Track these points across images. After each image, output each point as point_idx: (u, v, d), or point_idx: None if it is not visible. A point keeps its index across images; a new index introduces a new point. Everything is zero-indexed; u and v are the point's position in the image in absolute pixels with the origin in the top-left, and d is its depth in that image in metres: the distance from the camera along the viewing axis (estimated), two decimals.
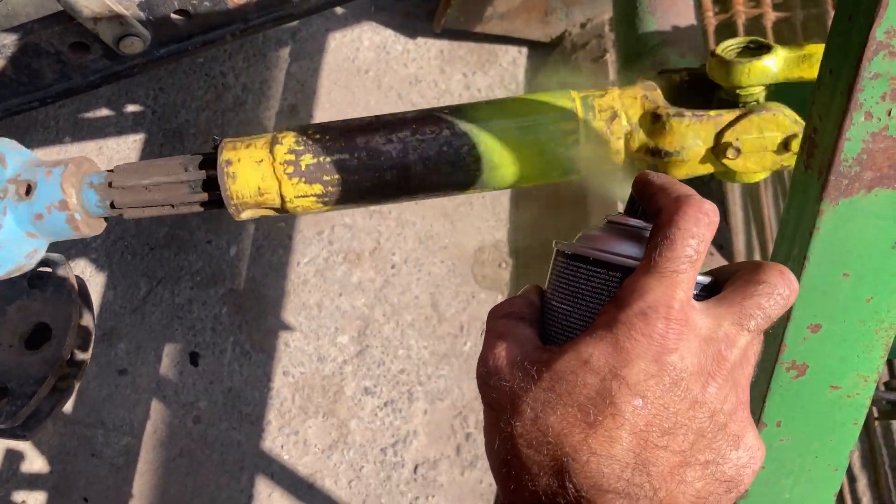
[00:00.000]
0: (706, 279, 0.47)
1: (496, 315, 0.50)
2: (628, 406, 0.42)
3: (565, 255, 0.50)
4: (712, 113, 0.84)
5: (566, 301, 0.48)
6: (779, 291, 0.45)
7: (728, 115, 0.83)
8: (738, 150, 0.80)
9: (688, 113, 0.84)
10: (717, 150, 0.83)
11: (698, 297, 0.46)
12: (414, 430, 1.94)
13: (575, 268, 0.49)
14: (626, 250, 0.47)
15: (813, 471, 0.62)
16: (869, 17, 0.46)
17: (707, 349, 0.43)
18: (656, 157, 0.85)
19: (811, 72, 0.80)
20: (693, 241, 0.44)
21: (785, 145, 0.80)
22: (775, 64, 0.80)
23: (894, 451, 1.71)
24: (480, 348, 0.49)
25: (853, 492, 1.67)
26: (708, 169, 0.87)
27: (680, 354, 0.42)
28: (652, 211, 0.46)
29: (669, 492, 0.42)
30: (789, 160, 0.83)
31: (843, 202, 0.52)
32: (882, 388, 1.53)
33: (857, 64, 0.48)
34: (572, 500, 0.42)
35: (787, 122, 0.80)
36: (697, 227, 0.44)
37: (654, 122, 0.84)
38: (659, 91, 0.86)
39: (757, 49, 0.83)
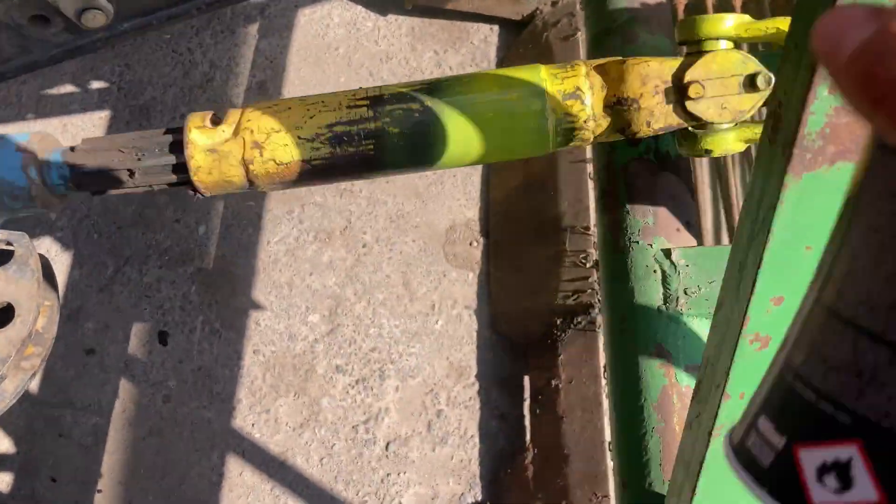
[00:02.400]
0: None
1: None
2: None
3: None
4: (672, 58, 0.84)
5: None
6: None
7: (689, 59, 0.83)
8: (702, 88, 0.79)
9: (646, 57, 0.84)
10: (680, 91, 0.82)
11: None
12: (385, 408, 1.94)
13: None
14: None
15: None
16: None
17: None
18: (621, 106, 0.83)
19: (773, 34, 0.81)
20: None
21: (750, 83, 0.80)
22: (733, 20, 0.81)
23: None
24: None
25: None
26: (673, 120, 0.85)
27: None
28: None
29: None
30: (756, 131, 0.84)
31: (806, 176, 0.53)
32: None
33: None
34: None
35: (748, 60, 0.80)
36: None
37: (615, 70, 0.83)
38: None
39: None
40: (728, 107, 0.81)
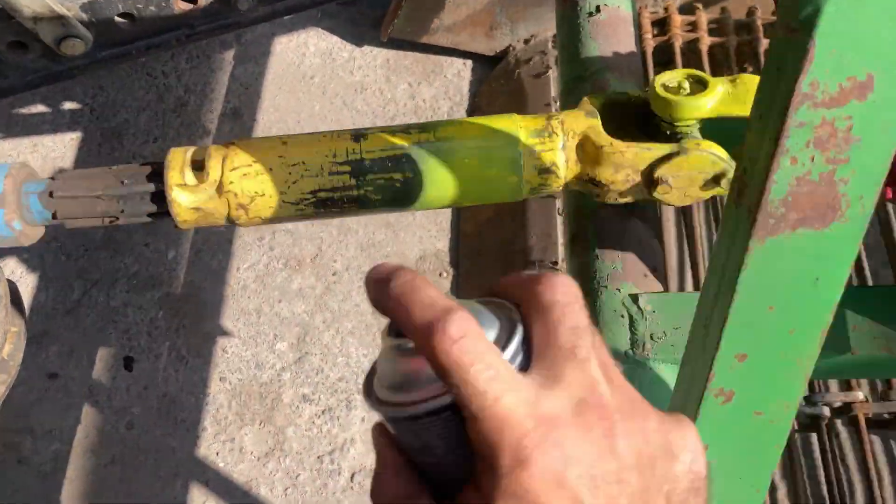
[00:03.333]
0: (514, 347, 0.41)
1: None
2: None
3: (389, 418, 0.43)
4: (648, 146, 0.87)
5: (426, 455, 0.42)
6: (568, 301, 0.41)
7: (660, 150, 0.86)
8: (670, 186, 0.84)
9: (622, 146, 0.87)
10: (651, 183, 0.87)
11: (525, 360, 0.41)
12: (351, 438, 1.94)
13: (407, 427, 0.42)
14: (431, 376, 0.40)
15: (737, 492, 0.65)
16: (795, 70, 0.49)
17: (586, 419, 0.39)
18: (592, 184, 0.88)
19: (744, 109, 0.84)
20: (477, 368, 0.38)
21: (714, 181, 0.84)
22: (710, 101, 0.84)
23: (813, 461, 1.78)
24: None
25: (774, 501, 1.74)
26: (641, 196, 0.90)
27: (575, 461, 0.38)
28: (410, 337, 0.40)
29: None
30: (719, 191, 0.87)
31: (769, 240, 0.55)
32: (802, 402, 1.60)
33: (784, 112, 0.51)
34: None
35: (717, 161, 0.84)
36: (467, 356, 0.38)
37: (592, 151, 0.87)
38: (598, 120, 0.89)
39: (695, 83, 0.86)
40: (690, 195, 0.86)
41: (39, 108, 2.30)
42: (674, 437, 0.42)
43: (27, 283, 2.11)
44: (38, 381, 2.00)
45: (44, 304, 2.09)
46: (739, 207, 0.57)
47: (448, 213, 2.20)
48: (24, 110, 2.29)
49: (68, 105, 2.31)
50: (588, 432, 0.39)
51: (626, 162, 0.85)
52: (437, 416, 0.40)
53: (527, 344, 0.41)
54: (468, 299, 0.44)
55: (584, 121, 0.88)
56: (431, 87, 2.34)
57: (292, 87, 2.35)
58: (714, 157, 0.84)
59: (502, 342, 0.41)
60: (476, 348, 0.38)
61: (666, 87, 0.86)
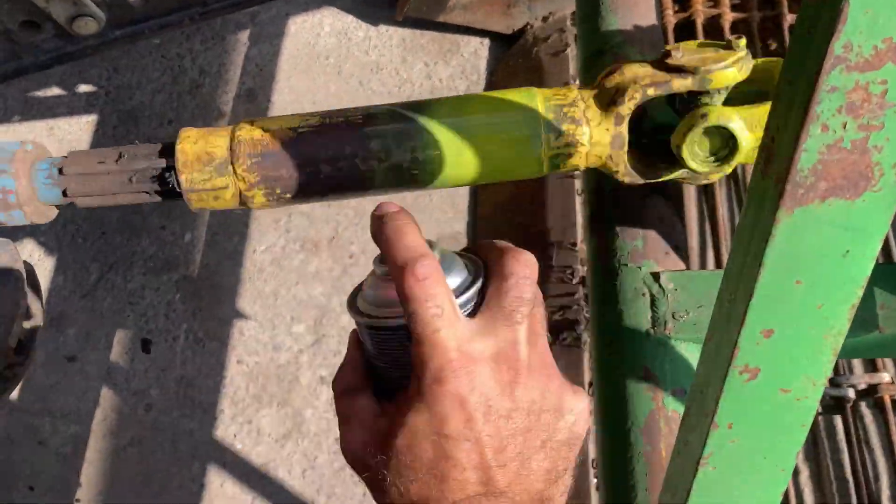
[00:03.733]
0: (470, 292, 0.53)
1: (337, 391, 0.57)
2: (461, 453, 0.49)
3: (358, 323, 0.55)
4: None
5: (380, 360, 0.55)
6: (523, 276, 0.53)
7: (681, 125, 0.83)
8: (689, 157, 0.81)
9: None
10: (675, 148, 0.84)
11: (475, 307, 0.53)
12: None
13: (371, 333, 0.55)
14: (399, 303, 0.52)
15: (761, 471, 0.64)
16: (828, 32, 0.47)
17: (499, 366, 0.51)
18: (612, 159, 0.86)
19: (765, 84, 0.82)
20: (429, 303, 0.50)
21: (731, 151, 0.81)
22: (731, 67, 0.81)
23: (836, 444, 1.76)
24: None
25: (796, 484, 1.72)
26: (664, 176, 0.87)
27: (479, 391, 0.50)
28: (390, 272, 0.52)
29: (524, 489, 0.51)
30: (747, 158, 0.84)
31: (798, 211, 0.53)
32: (826, 383, 1.57)
33: (816, 77, 0.48)
34: None
35: (738, 132, 0.81)
36: (424, 291, 0.50)
37: (615, 123, 0.84)
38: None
39: (722, 48, 0.83)
40: (710, 170, 0.83)
41: (55, 90, 2.29)
42: (566, 400, 0.53)
43: (44, 267, 2.12)
44: (57, 364, 2.01)
45: (61, 288, 2.10)
46: (766, 178, 0.55)
47: (465, 195, 2.18)
48: (40, 93, 2.29)
49: (84, 88, 2.30)
50: (496, 374, 0.51)
51: None
52: (393, 332, 0.53)
53: (480, 296, 0.53)
54: (452, 250, 0.57)
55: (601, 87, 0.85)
56: (448, 67, 2.32)
57: (307, 68, 2.33)
58: (737, 130, 0.81)
59: (461, 290, 0.53)
60: (432, 289, 0.50)
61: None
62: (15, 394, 1.96)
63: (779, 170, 0.53)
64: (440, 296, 0.50)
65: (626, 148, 0.84)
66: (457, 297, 0.52)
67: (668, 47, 0.83)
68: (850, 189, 0.52)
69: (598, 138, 0.83)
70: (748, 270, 0.57)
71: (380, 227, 0.54)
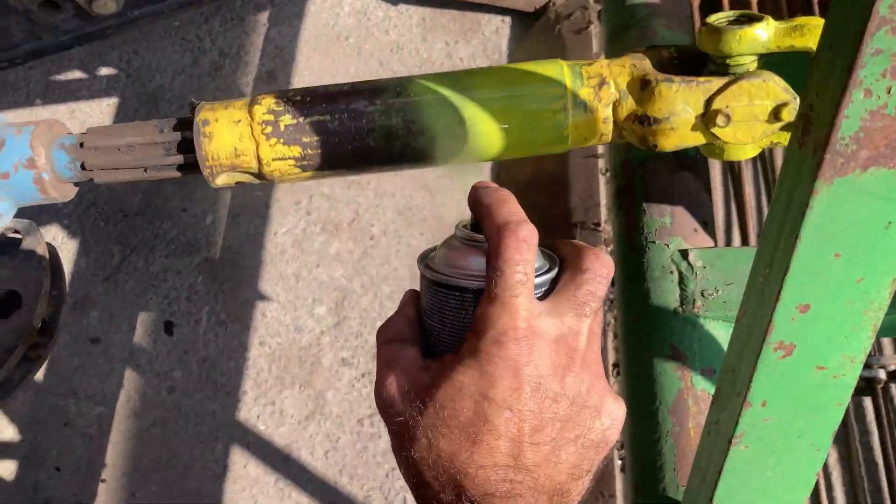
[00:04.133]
0: (546, 277, 0.54)
1: (382, 340, 0.56)
2: (500, 420, 0.49)
3: (426, 278, 0.56)
4: (702, 79, 0.82)
5: (435, 319, 0.55)
6: (600, 274, 0.54)
7: (717, 82, 0.81)
8: (728, 118, 0.78)
9: (676, 79, 0.81)
10: (707, 117, 0.81)
11: (545, 294, 0.54)
12: None
13: (435, 290, 0.55)
14: (475, 267, 0.53)
15: (796, 450, 0.62)
16: None
17: (558, 348, 0.51)
18: (644, 124, 0.82)
19: (802, 41, 0.79)
20: (520, 268, 0.50)
21: (776, 114, 0.78)
22: (766, 32, 0.78)
23: (865, 426, 1.73)
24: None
25: (825, 466, 1.70)
26: (698, 139, 0.84)
27: (535, 365, 0.50)
28: (484, 235, 0.53)
29: (548, 476, 0.51)
30: (778, 137, 0.82)
31: (837, 181, 0.51)
32: None
33: (859, 39, 0.46)
34: None
35: (777, 89, 0.78)
36: (520, 254, 0.50)
37: (642, 88, 0.81)
38: (647, 60, 0.84)
39: (747, 21, 0.81)
40: (751, 132, 0.80)
41: (76, 74, 2.30)
42: (607, 404, 0.54)
43: (67, 250, 2.13)
44: (81, 346, 2.02)
45: (84, 271, 2.11)
46: (804, 148, 0.53)
47: (487, 175, 2.16)
48: (62, 77, 2.29)
49: (104, 71, 2.30)
50: (554, 356, 0.51)
51: (681, 95, 0.80)
52: (461, 292, 0.53)
53: (552, 286, 0.54)
54: None
55: (633, 61, 0.83)
56: (469, 46, 2.29)
57: (327, 49, 2.31)
58: (774, 83, 0.78)
59: (539, 273, 0.53)
60: (527, 256, 0.50)
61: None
62: (40, 376, 1.98)
63: (817, 139, 0.51)
64: (530, 264, 0.50)
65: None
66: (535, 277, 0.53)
67: (715, 105, 0.80)
68: (893, 158, 0.50)
69: (628, 113, 0.81)
70: (784, 243, 0.55)
71: (483, 193, 0.54)
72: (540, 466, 0.50)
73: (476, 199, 0.54)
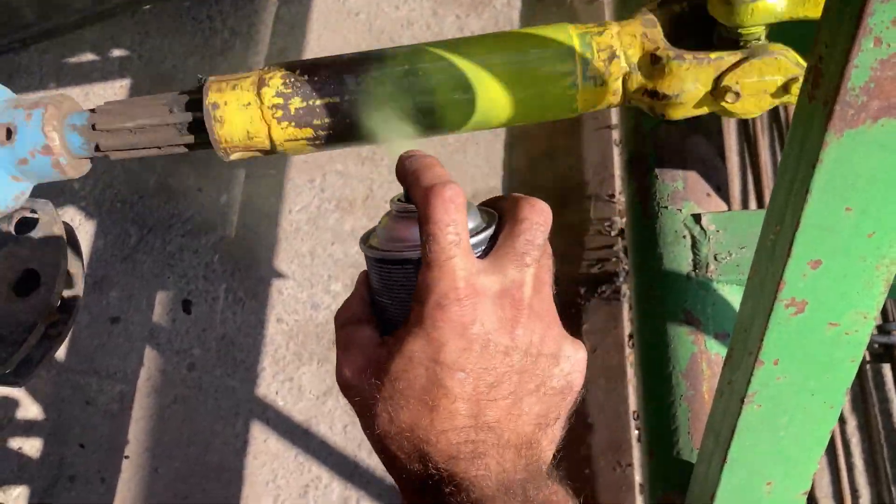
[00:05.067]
0: (484, 234, 0.53)
1: (338, 324, 0.57)
2: (454, 382, 0.49)
3: (369, 257, 0.56)
4: (713, 55, 0.81)
5: (384, 296, 0.55)
6: (536, 222, 0.53)
7: (729, 59, 0.80)
8: (738, 95, 0.78)
9: (688, 56, 0.81)
10: (717, 93, 0.81)
11: (485, 252, 0.53)
12: None
13: (379, 268, 0.55)
14: (413, 238, 0.53)
15: (809, 408, 0.62)
16: None
17: (502, 302, 0.51)
18: (654, 98, 0.82)
19: (815, 11, 0.78)
20: (451, 228, 0.49)
21: (785, 88, 0.78)
22: (779, 4, 0.77)
23: (884, 394, 1.72)
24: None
25: (843, 433, 1.69)
26: (704, 110, 0.84)
27: (480, 322, 0.50)
28: (413, 202, 0.52)
29: (512, 430, 0.51)
30: (788, 100, 0.81)
31: (848, 133, 0.50)
32: (875, 331, 1.54)
33: None
34: (436, 477, 0.49)
35: (788, 64, 0.77)
36: (448, 215, 0.49)
37: (653, 63, 0.81)
38: (659, 28, 0.83)
39: None
40: (760, 104, 0.79)
41: (89, 56, 2.30)
42: (565, 348, 0.53)
43: (85, 231, 2.14)
44: (101, 326, 2.05)
45: (102, 251, 2.13)
46: (814, 101, 0.52)
47: (500, 149, 2.15)
48: (74, 59, 2.30)
49: (116, 52, 2.31)
50: (499, 310, 0.51)
51: (691, 73, 0.80)
52: (401, 265, 0.53)
53: (491, 243, 0.54)
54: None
55: (644, 30, 0.82)
56: (480, 19, 2.28)
57: (337, 26, 2.31)
58: (786, 59, 0.78)
59: (474, 232, 0.53)
60: (455, 214, 0.50)
61: None
62: (62, 355, 2.00)
63: (827, 90, 0.50)
64: (461, 223, 0.50)
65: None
66: (470, 237, 0.53)
67: (725, 81, 0.79)
68: None
69: (638, 86, 0.80)
70: (794, 199, 0.54)
71: (408, 162, 0.54)
72: (501, 422, 0.50)
73: (402, 169, 0.54)
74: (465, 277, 0.50)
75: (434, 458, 0.50)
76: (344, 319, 0.57)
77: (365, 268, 0.58)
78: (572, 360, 0.54)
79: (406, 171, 0.54)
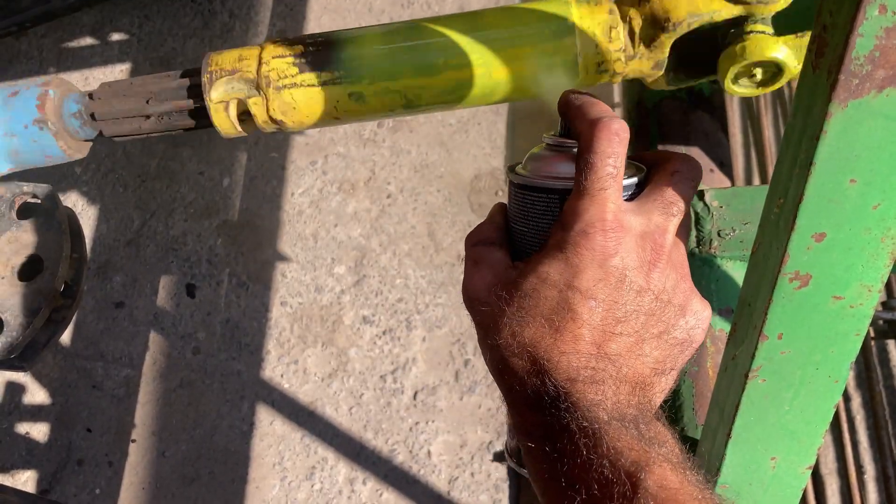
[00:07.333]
0: (633, 180, 0.54)
1: (470, 243, 0.58)
2: (584, 309, 0.50)
3: (512, 183, 0.57)
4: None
5: (521, 223, 0.56)
6: (689, 176, 0.54)
7: (728, 11, 0.78)
8: (736, 81, 0.77)
9: None
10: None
11: (631, 198, 0.54)
12: (413, 358, 1.95)
13: (522, 194, 0.56)
14: (562, 171, 0.54)
15: (813, 382, 0.61)
16: None
17: (644, 243, 0.52)
18: (656, 27, 0.80)
19: None
20: (611, 160, 0.50)
21: (777, 70, 0.77)
22: None
23: (889, 370, 1.72)
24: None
25: (848, 410, 1.69)
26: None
27: (620, 257, 0.50)
28: (574, 134, 0.53)
29: (631, 367, 0.51)
30: (795, 71, 0.80)
31: (852, 103, 0.50)
32: (879, 307, 1.53)
33: None
34: (552, 393, 0.49)
35: (786, 49, 0.76)
36: (612, 147, 0.50)
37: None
38: None
39: None
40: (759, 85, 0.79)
41: (88, 40, 2.29)
42: (693, 304, 0.54)
43: (88, 216, 2.14)
44: (106, 310, 2.05)
45: (105, 236, 2.13)
46: (818, 71, 0.52)
47: (502, 129, 2.14)
48: (74, 43, 2.29)
49: (116, 36, 2.30)
50: (640, 250, 0.51)
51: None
52: (547, 193, 0.54)
53: (638, 190, 0.55)
54: None
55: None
56: None
57: (337, 6, 2.29)
58: (779, 51, 0.77)
59: (626, 176, 0.53)
60: (618, 149, 0.51)
61: None
62: (68, 340, 2.01)
63: (831, 60, 0.50)
64: (620, 157, 0.51)
65: (665, 67, 0.80)
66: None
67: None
68: None
69: (638, 66, 0.79)
70: (798, 171, 0.54)
71: (573, 97, 0.55)
72: (622, 357, 0.51)
73: (567, 102, 0.55)
74: (615, 211, 0.50)
75: (553, 375, 0.50)
76: (476, 240, 0.57)
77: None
78: (698, 315, 0.54)
79: (571, 104, 0.54)
